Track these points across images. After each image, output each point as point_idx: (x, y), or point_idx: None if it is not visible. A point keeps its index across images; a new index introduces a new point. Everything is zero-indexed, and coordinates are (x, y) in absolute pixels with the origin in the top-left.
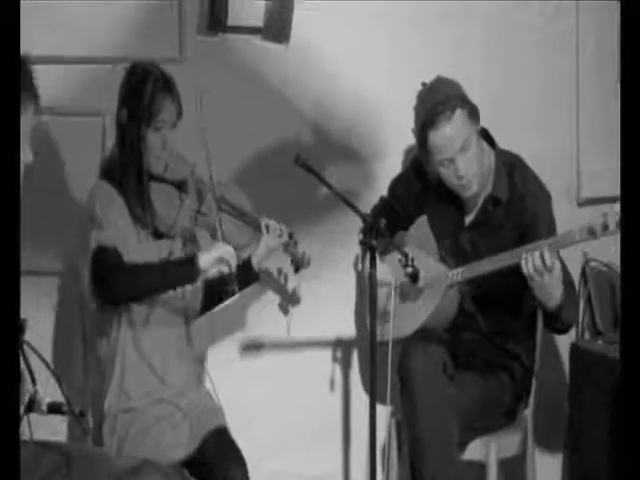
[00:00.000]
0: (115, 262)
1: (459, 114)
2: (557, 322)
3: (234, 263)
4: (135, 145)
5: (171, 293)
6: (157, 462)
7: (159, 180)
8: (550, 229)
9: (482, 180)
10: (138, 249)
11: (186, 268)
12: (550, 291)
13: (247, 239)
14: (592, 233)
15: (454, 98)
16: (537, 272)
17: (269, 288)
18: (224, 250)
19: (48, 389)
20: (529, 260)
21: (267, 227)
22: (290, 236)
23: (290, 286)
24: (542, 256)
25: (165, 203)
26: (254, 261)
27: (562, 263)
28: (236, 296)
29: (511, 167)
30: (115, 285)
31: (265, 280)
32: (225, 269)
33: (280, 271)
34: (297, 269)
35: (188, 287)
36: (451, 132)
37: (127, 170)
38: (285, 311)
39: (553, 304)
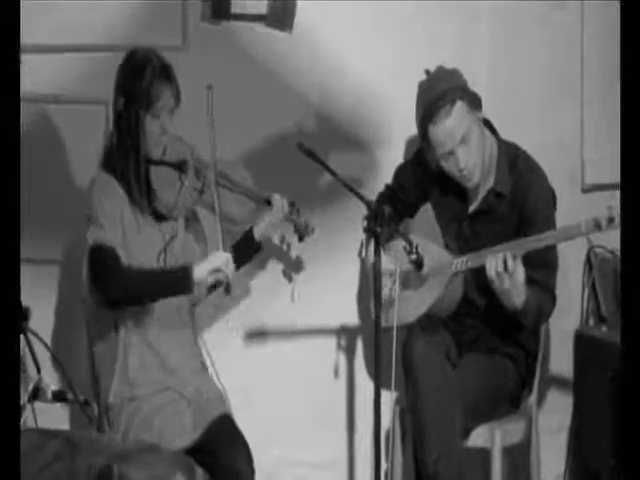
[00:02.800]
0: (111, 264)
1: (459, 106)
2: (515, 322)
3: (231, 270)
4: (133, 131)
5: None
6: (162, 448)
7: (158, 163)
8: (547, 226)
9: (484, 170)
10: (139, 237)
11: (181, 280)
12: (509, 296)
13: (248, 213)
14: (597, 226)
15: (453, 90)
16: (498, 276)
17: (273, 258)
18: (220, 259)
19: (52, 377)
20: (492, 263)
21: (273, 202)
22: (292, 205)
23: (294, 253)
24: (505, 261)
25: (165, 185)
26: (256, 233)
27: (551, 269)
28: (242, 276)
29: (514, 160)
30: (110, 288)
31: (268, 250)
32: (221, 277)
33: (283, 239)
34: (301, 238)
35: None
36: (450, 126)
37: (125, 156)
38: (289, 278)
39: (511, 308)
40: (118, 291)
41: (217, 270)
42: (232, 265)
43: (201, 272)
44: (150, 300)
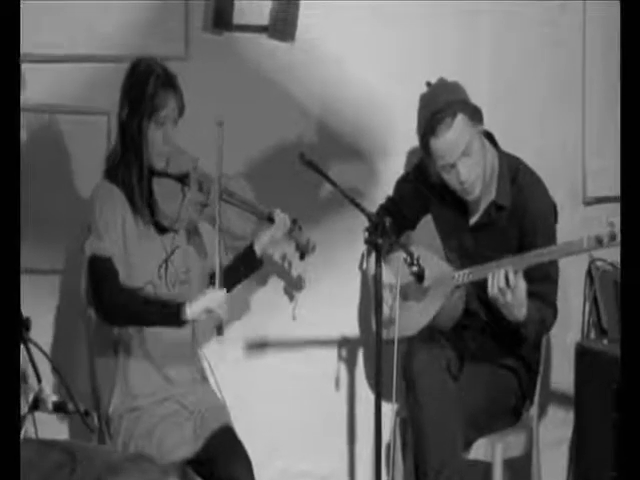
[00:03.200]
0: (109, 277)
1: (460, 119)
2: (516, 334)
3: (224, 312)
4: (137, 140)
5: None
6: (154, 458)
7: (161, 175)
8: (548, 239)
9: (485, 183)
10: (140, 248)
11: (173, 315)
12: (511, 310)
13: (250, 229)
14: (599, 242)
15: (455, 103)
16: (500, 292)
17: (274, 274)
18: (214, 301)
19: (52, 387)
20: (494, 279)
21: (275, 218)
22: (294, 222)
23: (295, 271)
24: (506, 276)
25: (168, 197)
26: (257, 248)
27: (552, 282)
28: (242, 286)
29: (515, 173)
30: (105, 301)
31: (269, 267)
32: (214, 317)
33: (284, 257)
34: (302, 256)
35: (194, 281)
36: (452, 139)
37: (129, 166)
38: (291, 297)
39: (513, 321)
40: (112, 306)
41: (210, 311)
42: (226, 306)
43: (195, 311)
44: (140, 324)
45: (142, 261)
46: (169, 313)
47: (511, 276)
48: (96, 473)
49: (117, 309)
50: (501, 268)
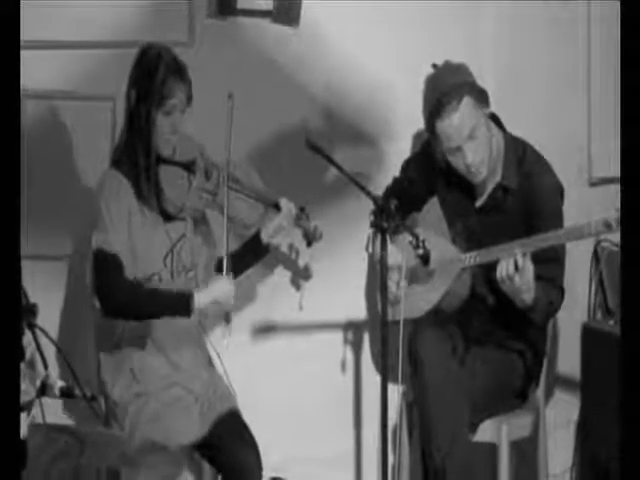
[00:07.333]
0: (113, 273)
1: (466, 102)
2: (524, 317)
3: (231, 303)
4: (144, 128)
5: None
6: (168, 447)
7: (168, 162)
8: (554, 220)
9: (491, 165)
10: (146, 237)
11: (181, 305)
12: (519, 294)
13: (257, 217)
14: (608, 226)
15: (461, 86)
16: (508, 277)
17: (280, 264)
18: (221, 291)
19: (59, 373)
20: (503, 266)
21: (282, 206)
22: (301, 210)
23: (302, 261)
24: (515, 261)
25: (174, 185)
26: (263, 236)
27: (559, 264)
28: (249, 271)
29: (522, 155)
30: (109, 297)
31: (276, 255)
32: (224, 309)
33: (291, 246)
34: (309, 243)
35: (200, 270)
36: (458, 121)
37: (135, 152)
38: (297, 286)
39: (520, 305)
40: (117, 302)
41: (218, 302)
42: (233, 298)
43: (202, 301)
44: (147, 317)
45: (147, 249)
46: (177, 304)
47: (519, 259)
48: (104, 458)
49: (123, 305)
50: (509, 252)
